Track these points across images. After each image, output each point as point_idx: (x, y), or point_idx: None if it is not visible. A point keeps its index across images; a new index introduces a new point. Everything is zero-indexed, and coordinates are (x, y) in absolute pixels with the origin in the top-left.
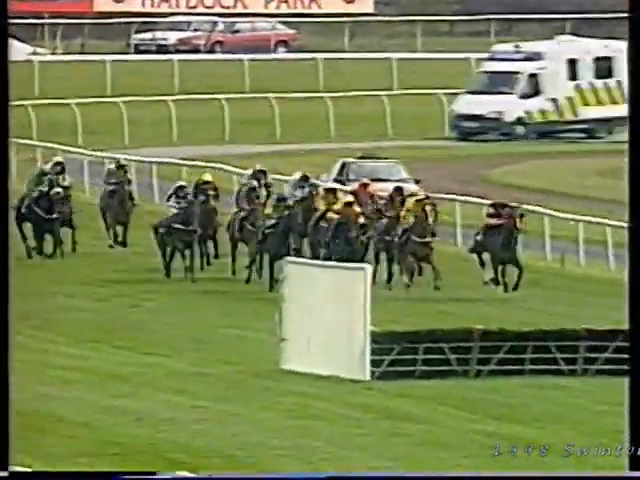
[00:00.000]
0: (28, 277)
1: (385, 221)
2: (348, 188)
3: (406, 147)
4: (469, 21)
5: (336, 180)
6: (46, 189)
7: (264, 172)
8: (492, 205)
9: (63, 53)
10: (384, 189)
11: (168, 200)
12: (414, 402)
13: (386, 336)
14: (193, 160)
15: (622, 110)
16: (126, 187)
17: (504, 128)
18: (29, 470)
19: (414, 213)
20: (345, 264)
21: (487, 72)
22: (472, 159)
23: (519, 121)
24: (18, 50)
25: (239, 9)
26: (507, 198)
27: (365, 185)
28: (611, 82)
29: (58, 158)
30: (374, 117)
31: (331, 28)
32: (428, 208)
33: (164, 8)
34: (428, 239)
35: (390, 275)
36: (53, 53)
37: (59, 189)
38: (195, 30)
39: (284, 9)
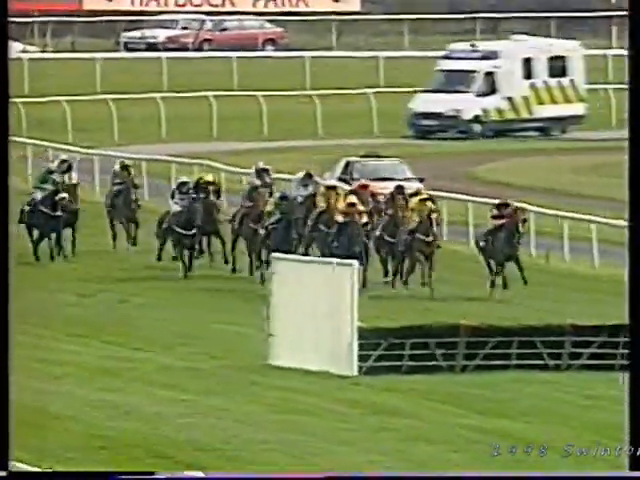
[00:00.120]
0: (25, 275)
1: (386, 219)
2: (348, 187)
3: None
4: (455, 20)
5: (340, 179)
6: (52, 189)
7: (267, 170)
8: (496, 206)
9: (53, 51)
10: (386, 188)
11: (172, 197)
12: (401, 397)
13: (373, 332)
14: (182, 157)
15: (576, 109)
16: (131, 188)
17: (462, 126)
18: (29, 470)
19: (418, 212)
20: (332, 259)
21: (444, 71)
22: (450, 156)
23: (476, 119)
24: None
25: (227, 7)
26: (493, 195)
27: (365, 186)
28: (565, 81)
29: (64, 156)
30: (361, 114)
31: (318, 26)
32: (432, 208)
33: (153, 6)
34: (432, 238)
35: (387, 273)
36: (43, 51)
37: (64, 194)
38: (184, 28)
39: (272, 7)
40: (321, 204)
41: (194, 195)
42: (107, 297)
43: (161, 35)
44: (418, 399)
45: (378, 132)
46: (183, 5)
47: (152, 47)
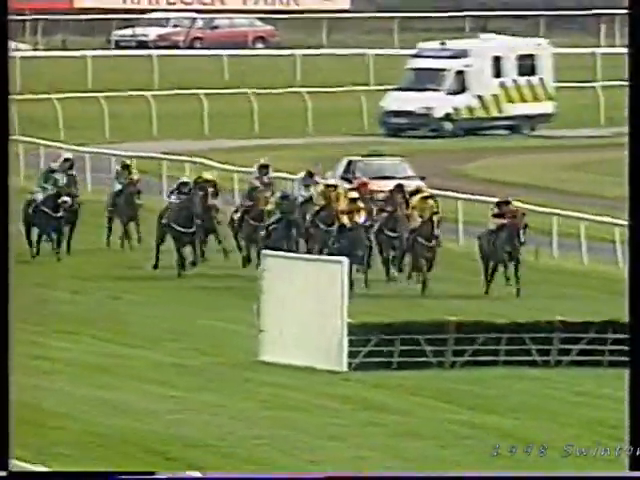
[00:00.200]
0: (22, 273)
1: (386, 216)
2: (347, 186)
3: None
4: (445, 18)
5: (342, 178)
6: (54, 190)
7: (267, 167)
8: (497, 205)
9: (44, 49)
10: (386, 186)
11: (170, 196)
12: (391, 393)
13: (363, 328)
14: (172, 154)
15: (545, 107)
16: (132, 187)
17: (433, 124)
18: (29, 470)
19: (420, 210)
20: (322, 257)
21: (414, 69)
22: (437, 154)
23: (447, 117)
24: None
25: (218, 5)
26: (483, 192)
27: (364, 183)
28: (534, 79)
29: (67, 155)
30: (351, 112)
31: (309, 24)
32: (433, 205)
33: (144, 5)
34: (434, 242)
35: (388, 270)
36: (35, 49)
37: (67, 198)
38: (175, 26)
39: (262, 5)
40: (320, 202)
41: (192, 192)
42: (102, 294)
43: (152, 33)
44: (407, 395)
45: (368, 130)
46: (174, 3)
47: (143, 45)
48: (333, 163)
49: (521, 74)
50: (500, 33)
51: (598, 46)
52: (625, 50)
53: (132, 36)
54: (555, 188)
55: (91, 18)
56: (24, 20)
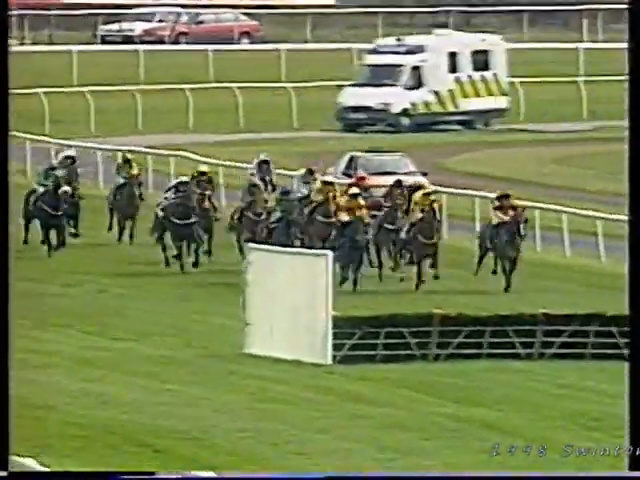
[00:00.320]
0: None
1: (385, 211)
2: (346, 181)
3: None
4: (429, 13)
5: (344, 174)
6: (52, 186)
7: (268, 163)
8: (497, 198)
9: (31, 44)
10: (389, 182)
11: (166, 193)
12: (375, 385)
13: (348, 321)
14: (158, 148)
15: (499, 102)
16: (133, 182)
17: (390, 119)
18: (29, 470)
19: (421, 207)
20: (307, 250)
21: (370, 65)
22: (418, 148)
23: (404, 112)
24: None
25: (203, 1)
26: (467, 186)
27: (362, 178)
28: (488, 75)
29: (69, 152)
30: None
31: (293, 19)
32: (435, 203)
33: (130, 0)
34: (435, 240)
35: (384, 266)
36: (21, 44)
37: (67, 188)
38: (160, 21)
39: (247, 0)
40: (317, 198)
41: (190, 189)
42: (93, 288)
43: (138, 28)
44: (392, 387)
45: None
46: None
47: (129, 40)
48: (318, 158)
49: (476, 69)
50: (485, 30)
51: (581, 41)
52: (607, 45)
53: (118, 31)
54: (537, 182)
55: (77, 13)
56: (10, 15)
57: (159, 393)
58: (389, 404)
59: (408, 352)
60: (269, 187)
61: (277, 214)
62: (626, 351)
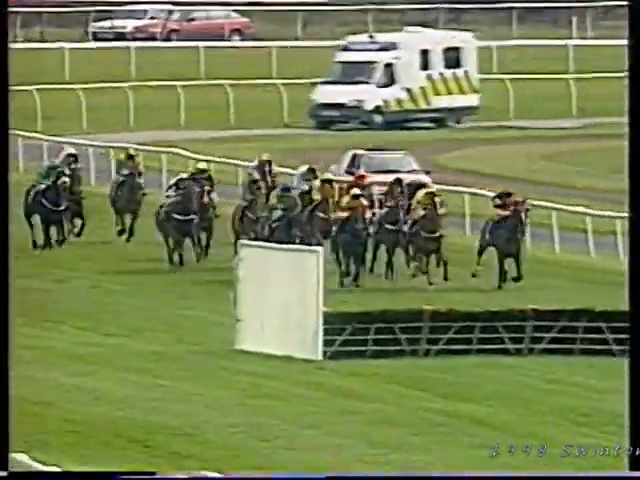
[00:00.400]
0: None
1: (385, 211)
2: (346, 179)
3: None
4: (419, 10)
5: (347, 172)
6: (52, 181)
7: (269, 162)
8: (498, 196)
9: (23, 41)
10: (386, 179)
11: (167, 191)
12: (365, 381)
13: (338, 316)
14: (149, 145)
15: (470, 100)
16: (136, 177)
17: (363, 116)
18: (29, 470)
19: (424, 205)
20: (298, 246)
21: (343, 62)
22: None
23: (377, 110)
24: None
25: None
26: (459, 183)
27: (362, 176)
28: (459, 72)
29: (71, 150)
30: None
31: (284, 17)
32: (437, 201)
33: None
34: (437, 234)
35: (389, 265)
36: (13, 41)
37: (66, 179)
38: (152, 18)
39: None
40: (317, 197)
41: (189, 187)
42: (83, 283)
43: (129, 25)
44: (382, 383)
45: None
46: None
47: (120, 37)
48: (307, 154)
49: (447, 67)
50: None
51: (570, 38)
52: (597, 42)
53: (110, 28)
54: (526, 178)
55: (69, 10)
56: (9, 12)
57: (151, 389)
58: (379, 400)
59: (398, 348)
60: (270, 185)
61: (278, 212)
62: (615, 347)
